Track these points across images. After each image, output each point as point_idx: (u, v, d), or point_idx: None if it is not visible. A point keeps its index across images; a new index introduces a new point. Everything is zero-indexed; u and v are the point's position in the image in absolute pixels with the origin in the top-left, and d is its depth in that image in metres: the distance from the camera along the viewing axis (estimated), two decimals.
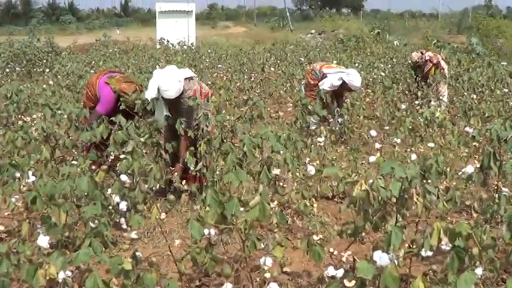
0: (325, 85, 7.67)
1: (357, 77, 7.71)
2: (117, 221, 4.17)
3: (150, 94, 5.35)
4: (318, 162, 5.84)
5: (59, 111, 5.90)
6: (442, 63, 9.79)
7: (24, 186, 4.48)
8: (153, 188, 4.42)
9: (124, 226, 4.22)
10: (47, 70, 15.01)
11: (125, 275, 2.90)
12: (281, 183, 5.06)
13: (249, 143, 4.05)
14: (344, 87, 7.74)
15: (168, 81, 5.17)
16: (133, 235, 3.94)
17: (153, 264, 3.18)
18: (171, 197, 3.64)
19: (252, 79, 12.59)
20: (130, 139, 4.43)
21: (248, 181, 4.21)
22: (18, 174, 4.10)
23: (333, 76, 7.71)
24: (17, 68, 15.63)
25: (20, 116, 8.57)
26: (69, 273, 2.95)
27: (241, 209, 2.91)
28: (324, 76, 7.80)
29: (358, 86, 7.81)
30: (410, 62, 10.52)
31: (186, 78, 5.34)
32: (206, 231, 3.20)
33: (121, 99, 5.79)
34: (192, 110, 5.29)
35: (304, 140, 5.26)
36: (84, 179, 3.53)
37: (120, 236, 4.51)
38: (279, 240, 3.03)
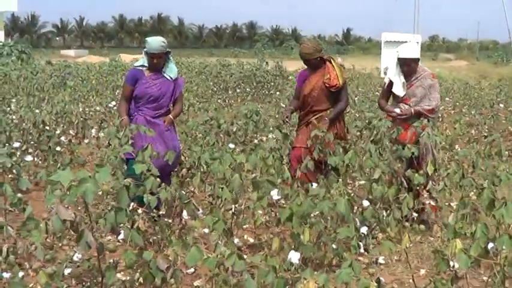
0: None
1: None
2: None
3: (390, 72, 5.74)
4: None
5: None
6: None
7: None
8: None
9: (361, 250, 4.35)
10: (277, 92, 15.81)
11: None
12: None
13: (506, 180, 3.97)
14: None
15: (404, 44, 5.70)
16: (381, 260, 4.05)
17: None
18: (423, 226, 3.70)
19: (482, 115, 12.24)
20: (376, 166, 4.56)
21: None
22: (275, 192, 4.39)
23: None
24: (247, 89, 16.66)
25: (254, 135, 9.12)
26: None
27: None
28: None
29: None
30: None
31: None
32: (451, 263, 3.20)
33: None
34: (431, 93, 5.50)
35: None
36: (342, 201, 3.72)
37: (356, 259, 4.64)
38: None
